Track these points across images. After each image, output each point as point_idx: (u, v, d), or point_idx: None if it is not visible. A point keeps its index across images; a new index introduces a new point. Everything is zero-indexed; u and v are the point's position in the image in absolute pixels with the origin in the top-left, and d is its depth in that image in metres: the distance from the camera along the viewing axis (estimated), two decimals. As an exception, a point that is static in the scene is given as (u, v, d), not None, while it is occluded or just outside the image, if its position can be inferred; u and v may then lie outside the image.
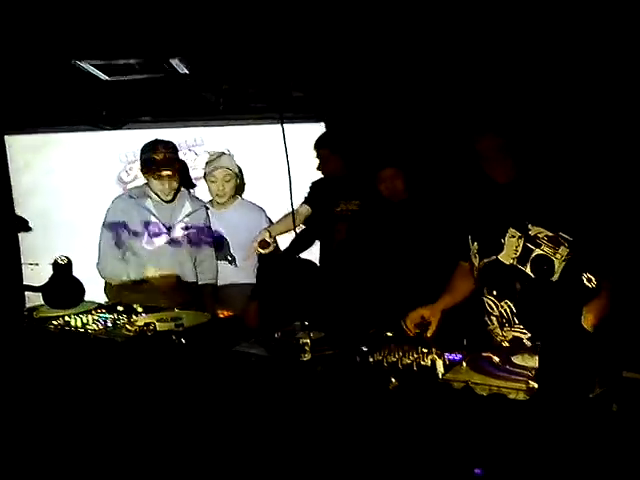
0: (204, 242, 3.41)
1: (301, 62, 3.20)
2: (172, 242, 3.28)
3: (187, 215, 3.35)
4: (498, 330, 2.19)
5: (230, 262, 3.61)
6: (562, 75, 2.95)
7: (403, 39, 2.91)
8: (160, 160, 3.16)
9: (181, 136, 4.06)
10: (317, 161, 3.51)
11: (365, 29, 2.85)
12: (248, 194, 3.99)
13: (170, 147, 3.25)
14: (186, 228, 3.33)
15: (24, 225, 2.26)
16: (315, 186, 3.65)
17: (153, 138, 3.32)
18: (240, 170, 3.75)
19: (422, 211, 2.94)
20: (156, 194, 3.26)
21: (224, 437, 1.92)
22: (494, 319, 2.21)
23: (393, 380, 1.59)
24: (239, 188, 3.78)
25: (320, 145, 3.45)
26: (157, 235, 3.25)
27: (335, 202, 3.41)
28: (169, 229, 3.28)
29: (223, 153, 3.66)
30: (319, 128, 3.84)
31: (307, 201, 3.64)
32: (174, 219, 3.31)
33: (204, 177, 3.64)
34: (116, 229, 3.27)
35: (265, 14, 2.83)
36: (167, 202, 3.29)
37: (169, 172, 3.19)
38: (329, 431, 1.69)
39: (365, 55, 3.08)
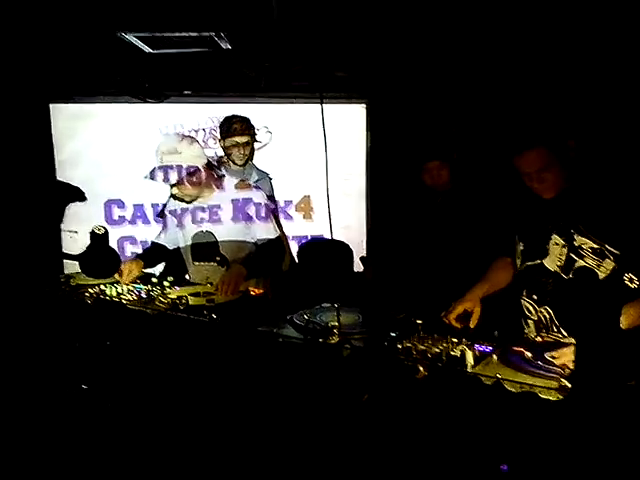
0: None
1: (349, 42, 3.16)
2: None
3: (256, 181, 3.61)
4: (534, 335, 2.13)
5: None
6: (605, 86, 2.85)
7: (456, 34, 2.87)
8: (239, 128, 3.54)
9: (220, 111, 4.08)
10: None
11: (417, 12, 2.80)
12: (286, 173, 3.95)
13: (246, 121, 3.61)
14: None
15: (79, 195, 2.26)
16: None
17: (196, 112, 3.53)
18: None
19: (466, 203, 2.89)
20: (231, 160, 3.60)
21: (244, 418, 1.93)
22: (531, 323, 2.15)
23: (421, 369, 1.58)
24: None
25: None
26: None
27: None
28: None
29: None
30: (360, 110, 3.80)
31: None
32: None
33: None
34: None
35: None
36: (240, 166, 3.62)
37: (246, 139, 3.57)
38: (348, 416, 1.69)
39: (414, 40, 3.03)
